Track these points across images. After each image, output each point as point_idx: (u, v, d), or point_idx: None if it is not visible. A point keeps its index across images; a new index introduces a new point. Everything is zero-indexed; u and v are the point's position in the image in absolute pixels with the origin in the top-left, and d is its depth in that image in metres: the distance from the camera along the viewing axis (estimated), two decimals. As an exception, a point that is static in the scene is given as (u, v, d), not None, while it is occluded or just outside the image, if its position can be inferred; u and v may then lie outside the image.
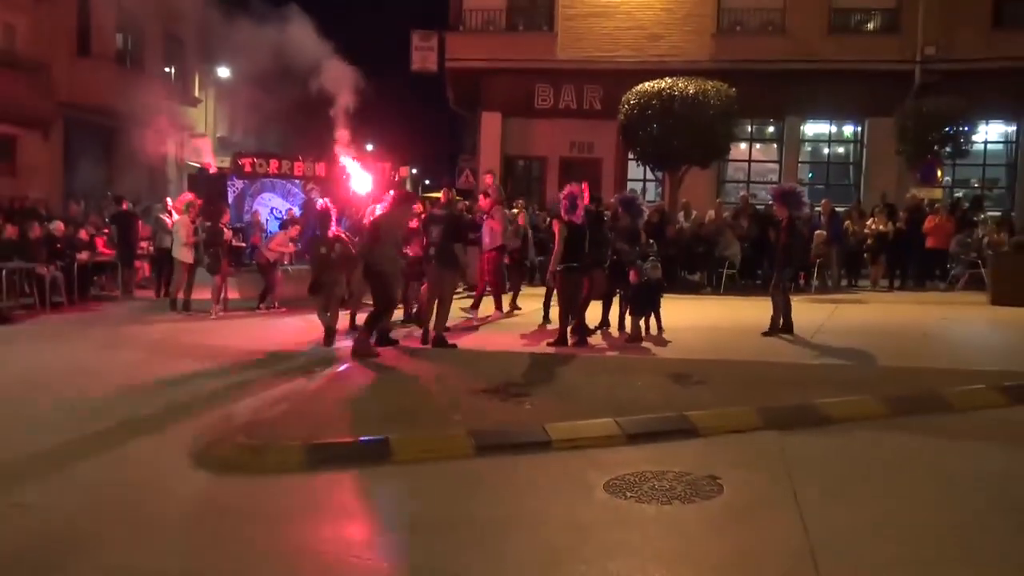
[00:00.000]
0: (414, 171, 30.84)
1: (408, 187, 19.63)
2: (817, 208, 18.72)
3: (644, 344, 10.88)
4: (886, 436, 6.94)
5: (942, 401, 7.78)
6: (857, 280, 18.64)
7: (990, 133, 23.76)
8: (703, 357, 9.80)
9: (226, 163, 24.13)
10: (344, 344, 11.34)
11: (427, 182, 36.20)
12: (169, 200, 16.87)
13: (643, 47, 23.50)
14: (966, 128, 21.06)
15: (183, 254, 14.49)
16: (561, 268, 10.57)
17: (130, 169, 24.00)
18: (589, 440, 6.68)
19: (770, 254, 12.68)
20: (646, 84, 19.75)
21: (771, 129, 25.35)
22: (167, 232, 15.92)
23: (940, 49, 22.30)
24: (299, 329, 12.06)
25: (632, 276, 11.15)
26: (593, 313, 11.33)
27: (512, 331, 12.21)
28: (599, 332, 11.59)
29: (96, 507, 5.60)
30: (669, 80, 19.54)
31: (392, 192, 12.37)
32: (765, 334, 11.29)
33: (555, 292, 11.42)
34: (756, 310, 12.79)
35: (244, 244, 18.33)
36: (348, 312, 12.51)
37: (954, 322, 13.18)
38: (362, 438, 6.62)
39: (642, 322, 11.23)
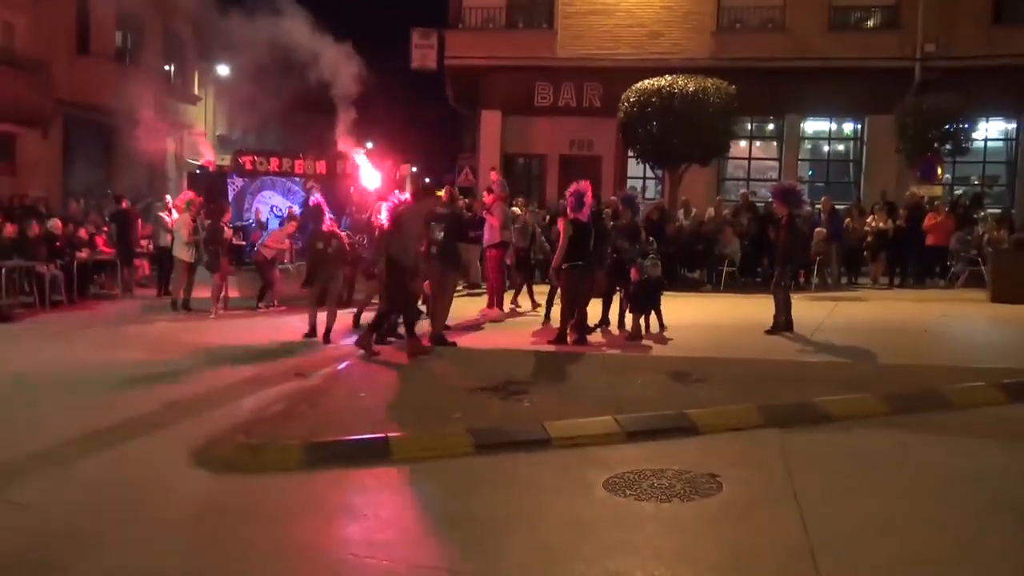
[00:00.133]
0: (414, 169, 30.77)
1: (409, 185, 19.60)
2: (817, 206, 18.71)
3: (644, 342, 10.89)
4: (886, 434, 6.94)
5: (942, 399, 7.78)
6: (857, 278, 18.63)
7: (990, 130, 23.74)
8: (703, 355, 9.80)
9: (226, 161, 24.14)
10: (350, 341, 11.38)
11: (427, 180, 36.11)
12: (169, 198, 16.82)
13: (643, 45, 23.47)
14: (966, 125, 21.06)
15: (183, 253, 14.45)
16: (566, 266, 10.57)
17: (130, 167, 23.99)
18: (588, 438, 6.69)
19: (770, 252, 12.68)
20: (646, 82, 19.75)
21: (771, 127, 25.34)
22: (167, 230, 15.90)
23: (940, 46, 22.29)
24: (299, 328, 12.05)
25: (633, 274, 11.15)
26: (593, 311, 11.32)
27: (512, 329, 12.22)
28: (599, 330, 11.58)
29: (95, 506, 5.60)
30: (669, 78, 19.54)
31: (398, 191, 12.36)
32: (768, 332, 11.28)
33: (558, 290, 11.41)
34: (756, 308, 12.79)
35: (244, 242, 18.34)
36: (354, 311, 12.61)
37: (954, 319, 13.17)
38: (361, 436, 6.62)
39: (642, 320, 11.23)
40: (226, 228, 14.74)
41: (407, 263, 10.13)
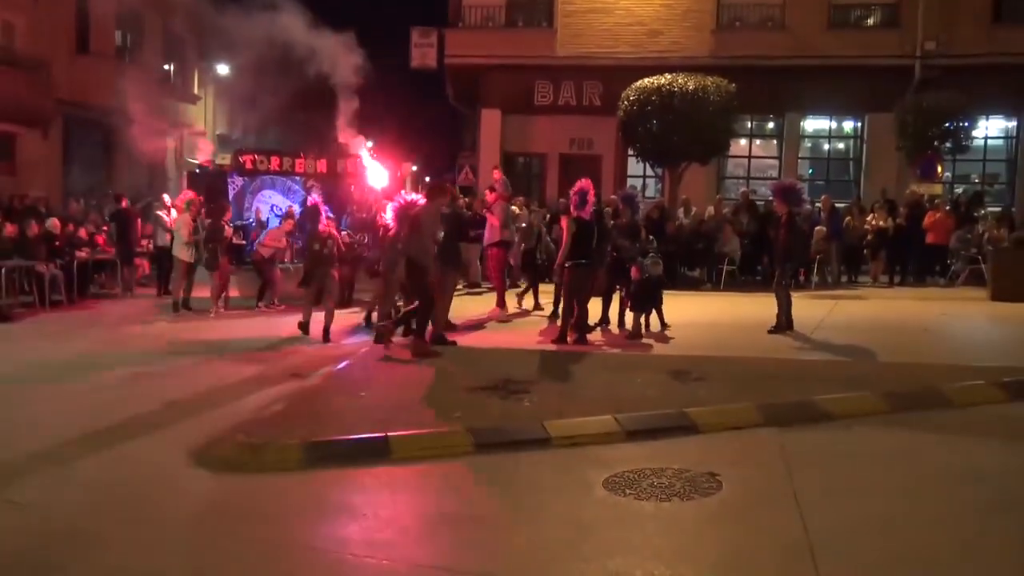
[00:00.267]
0: (414, 168, 30.80)
1: (409, 184, 19.64)
2: (817, 204, 18.71)
3: (644, 340, 10.88)
4: (886, 432, 6.94)
5: (942, 397, 7.78)
6: (857, 276, 18.62)
7: (990, 128, 23.74)
8: (703, 354, 9.80)
9: (227, 160, 24.13)
10: (350, 341, 11.40)
11: (427, 179, 36.12)
12: (167, 197, 16.77)
13: (643, 43, 23.46)
14: (966, 123, 21.04)
15: (183, 253, 14.40)
16: (569, 264, 10.56)
17: (130, 167, 24.01)
18: (588, 437, 6.69)
19: (770, 250, 12.67)
20: (646, 80, 19.74)
21: (771, 125, 25.33)
22: (166, 229, 15.89)
23: (940, 44, 22.29)
24: (299, 328, 12.04)
25: (633, 272, 11.14)
26: (593, 310, 11.31)
27: (514, 329, 12.21)
28: (599, 329, 11.57)
29: (95, 506, 5.60)
30: (669, 76, 19.53)
31: (403, 191, 12.41)
32: (771, 331, 11.24)
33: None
34: (756, 306, 12.80)
35: (244, 241, 18.33)
36: (363, 310, 12.62)
37: (954, 318, 13.17)
38: (361, 436, 6.62)
39: (642, 318, 11.22)
40: (227, 227, 14.73)
41: (427, 263, 10.15)
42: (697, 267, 18.39)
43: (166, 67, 30.09)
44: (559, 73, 24.29)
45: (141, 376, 9.62)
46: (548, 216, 17.44)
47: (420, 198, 11.19)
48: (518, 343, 10.80)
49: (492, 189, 14.80)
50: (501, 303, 13.67)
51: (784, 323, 11.33)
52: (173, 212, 15.69)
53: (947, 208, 18.78)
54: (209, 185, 19.80)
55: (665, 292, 11.66)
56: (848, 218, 18.62)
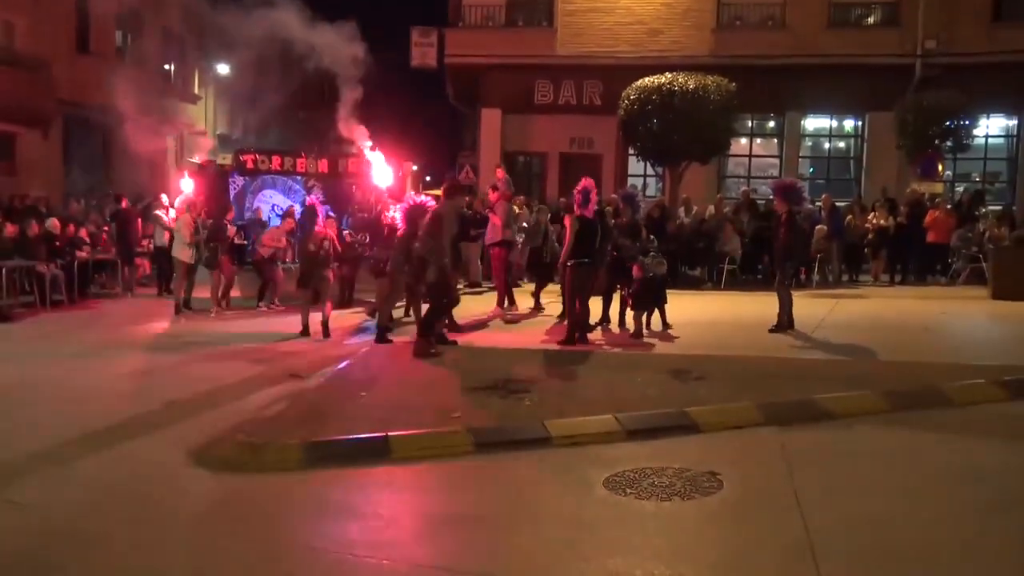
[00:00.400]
0: (415, 168, 30.81)
1: (409, 184, 19.66)
2: (817, 203, 18.69)
3: (645, 340, 10.87)
4: (887, 431, 6.94)
5: (942, 396, 7.77)
6: (858, 275, 18.61)
7: (991, 127, 23.73)
8: (703, 353, 9.79)
9: (227, 160, 24.14)
10: (350, 341, 11.39)
11: (428, 178, 36.14)
12: (164, 197, 16.72)
13: (643, 42, 23.45)
14: (967, 122, 21.03)
15: (183, 253, 14.35)
16: (572, 263, 10.55)
17: (130, 167, 23.98)
18: (589, 436, 6.68)
19: (770, 249, 12.65)
20: (646, 79, 19.73)
21: (771, 124, 25.33)
22: (164, 228, 15.88)
23: (940, 43, 22.27)
24: (298, 327, 12.05)
25: (635, 271, 11.14)
26: (593, 309, 11.31)
27: (515, 329, 12.19)
28: (599, 328, 11.57)
29: (95, 506, 5.59)
30: (669, 75, 19.53)
31: (413, 191, 12.44)
32: (772, 330, 11.22)
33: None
34: (757, 305, 12.79)
35: (246, 241, 18.32)
36: (367, 310, 12.63)
37: (955, 317, 13.17)
38: (361, 436, 6.62)
39: (643, 317, 11.21)
40: (230, 227, 14.71)
41: (444, 262, 10.16)
42: (698, 266, 18.38)
43: (166, 67, 30.09)
44: (559, 72, 24.28)
45: (141, 376, 9.63)
46: (549, 215, 17.40)
47: (428, 199, 11.24)
48: (518, 343, 10.79)
49: (495, 188, 14.78)
50: (501, 303, 13.66)
51: (785, 322, 11.31)
52: (172, 211, 15.65)
53: (948, 207, 18.76)
54: (210, 184, 19.76)
55: (667, 291, 11.65)
56: (849, 217, 18.60)
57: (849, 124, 25.20)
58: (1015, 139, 23.94)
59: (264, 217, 20.54)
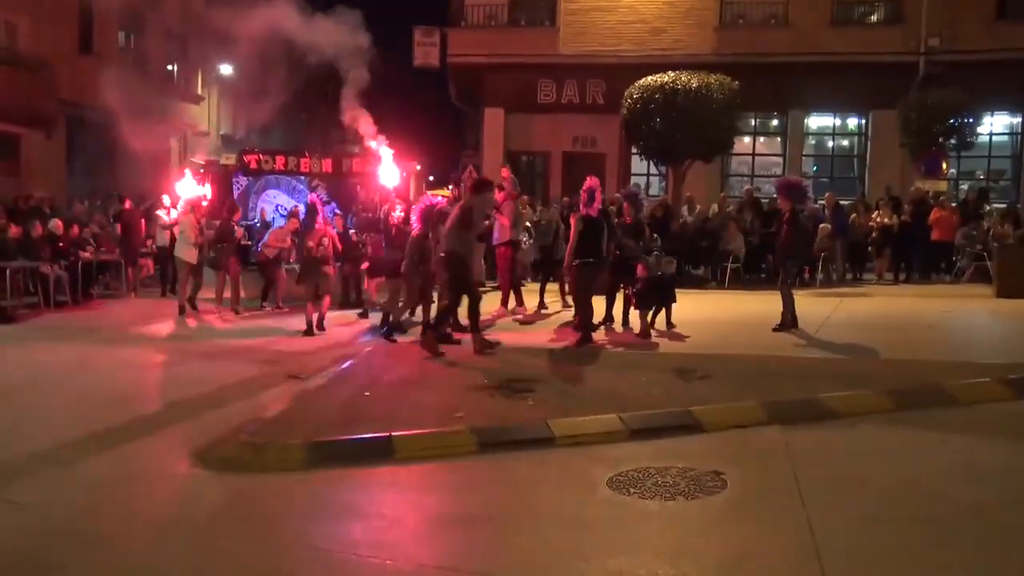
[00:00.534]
0: (418, 167, 30.81)
1: (413, 183, 19.68)
2: (821, 201, 18.65)
3: (650, 339, 10.84)
4: (891, 430, 6.91)
5: (947, 395, 7.74)
6: (862, 273, 18.58)
7: (995, 125, 23.66)
8: (707, 352, 9.77)
9: (231, 160, 24.11)
10: (356, 340, 11.40)
11: (431, 178, 36.13)
12: (166, 198, 16.70)
13: (646, 41, 23.44)
14: (971, 120, 20.98)
15: (187, 254, 14.34)
16: (577, 263, 10.52)
17: (133, 167, 23.98)
18: (592, 436, 6.67)
19: (774, 248, 12.62)
20: (649, 78, 19.72)
21: (775, 122, 25.29)
22: (165, 228, 15.89)
23: (944, 40, 22.23)
24: (302, 327, 12.06)
25: (640, 270, 11.11)
26: (596, 308, 11.29)
27: (523, 328, 12.16)
28: (603, 328, 11.55)
29: (97, 506, 5.59)
30: (672, 74, 19.53)
31: (429, 192, 12.49)
32: (776, 329, 11.18)
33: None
34: (760, 304, 12.76)
35: (250, 242, 18.31)
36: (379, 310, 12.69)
37: (959, 315, 13.14)
38: (364, 436, 6.60)
39: (648, 316, 11.17)
40: (237, 228, 14.71)
41: (470, 259, 10.14)
42: (701, 265, 18.37)
43: (169, 67, 30.10)
44: (562, 72, 24.27)
45: (143, 376, 9.65)
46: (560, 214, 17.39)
47: (441, 198, 11.30)
48: (522, 342, 10.77)
49: (501, 187, 14.73)
50: (505, 302, 13.63)
51: (789, 321, 11.27)
52: (175, 212, 15.64)
53: (952, 205, 18.72)
54: (213, 184, 19.74)
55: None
56: (853, 215, 18.57)
57: (853, 122, 25.16)
58: (1019, 137, 23.89)
59: (268, 218, 20.52)
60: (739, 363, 9.09)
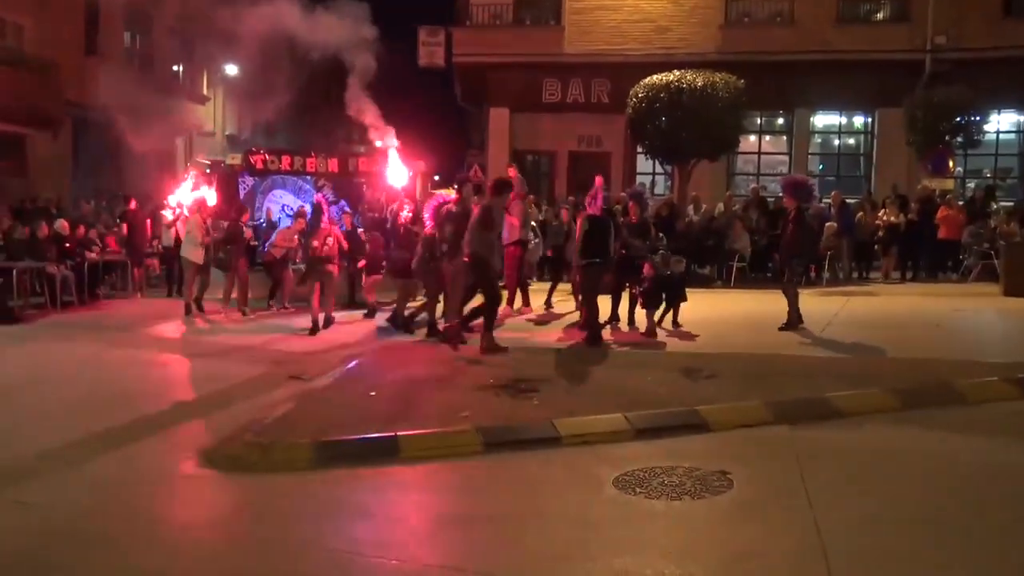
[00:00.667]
0: (423, 167, 30.82)
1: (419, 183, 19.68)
2: (826, 200, 18.60)
3: (656, 338, 10.83)
4: (898, 430, 6.89)
5: (954, 394, 7.72)
6: (868, 272, 18.53)
7: (1002, 122, 23.53)
8: (713, 351, 9.76)
9: (236, 160, 24.14)
10: (359, 340, 11.41)
11: (436, 178, 36.12)
12: (171, 199, 16.70)
13: (651, 40, 23.41)
14: (977, 118, 20.88)
15: (194, 254, 14.34)
16: (583, 263, 10.50)
17: (139, 168, 24.03)
18: (598, 436, 6.66)
19: (779, 247, 12.60)
20: (654, 77, 19.69)
21: (780, 121, 25.24)
22: (168, 227, 15.92)
23: (950, 38, 22.14)
24: (308, 327, 12.07)
25: (647, 269, 11.10)
26: (602, 308, 11.28)
27: (530, 328, 12.16)
28: (609, 327, 11.53)
29: (103, 506, 5.60)
30: (677, 73, 19.49)
31: (442, 191, 12.52)
32: (782, 328, 11.16)
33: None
34: (766, 303, 12.73)
35: (257, 242, 18.32)
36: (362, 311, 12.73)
37: (966, 313, 13.10)
38: (370, 435, 6.61)
39: (655, 316, 11.16)
40: (245, 228, 14.73)
41: (493, 259, 10.16)
42: (707, 264, 18.32)
43: (175, 68, 30.14)
44: (567, 71, 24.25)
45: (149, 376, 9.65)
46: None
47: (451, 197, 11.33)
48: (528, 341, 10.77)
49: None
50: (512, 302, 13.61)
51: (795, 320, 11.26)
52: (180, 212, 15.66)
53: (959, 203, 18.65)
54: (220, 185, 19.76)
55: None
56: (859, 214, 18.51)
57: (859, 120, 25.08)
58: (1026, 135, 23.81)
59: (274, 218, 20.54)
60: (745, 362, 9.07)
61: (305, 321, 12.32)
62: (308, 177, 21.65)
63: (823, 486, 5.53)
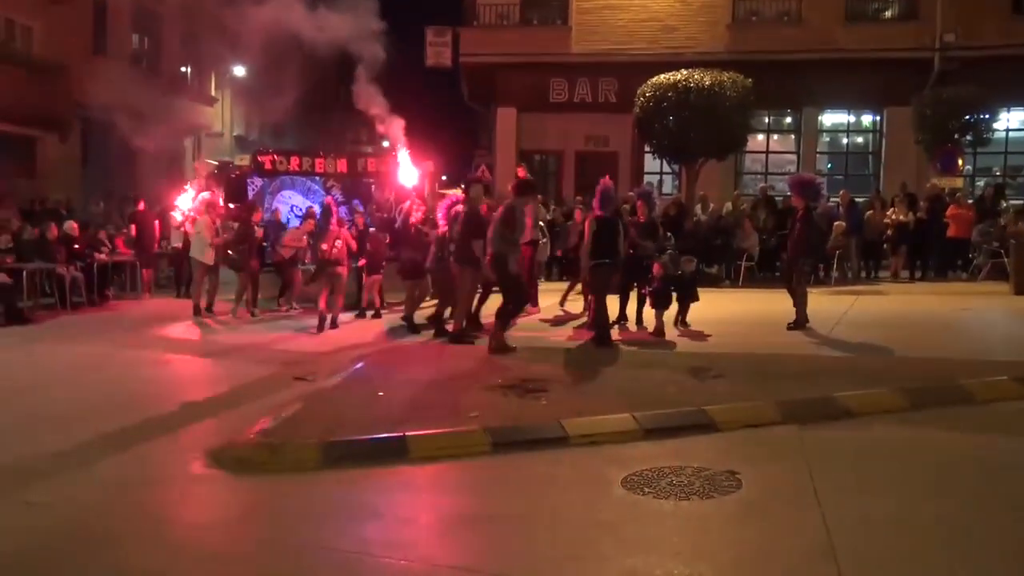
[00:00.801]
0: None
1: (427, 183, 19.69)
2: (835, 199, 18.55)
3: (664, 338, 10.82)
4: (907, 429, 6.87)
5: (964, 393, 7.69)
6: (877, 271, 18.49)
7: (1011, 121, 23.45)
8: (721, 351, 9.75)
9: (244, 161, 24.20)
10: (367, 341, 11.43)
11: (444, 178, 36.14)
12: (178, 200, 16.74)
13: (658, 39, 23.38)
14: (986, 116, 20.83)
15: (204, 255, 14.36)
16: (591, 264, 10.50)
17: (148, 169, 24.10)
18: (606, 436, 6.65)
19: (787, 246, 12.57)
20: (661, 76, 19.66)
21: (788, 120, 25.19)
22: (176, 228, 15.96)
23: (959, 36, 22.06)
24: (316, 326, 12.11)
25: (656, 269, 11.09)
26: (611, 308, 11.26)
27: (537, 328, 12.15)
28: (617, 327, 11.53)
29: (112, 506, 5.61)
30: (685, 72, 19.46)
31: (454, 191, 12.56)
32: (791, 327, 11.13)
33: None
34: (774, 303, 12.70)
35: (266, 243, 18.34)
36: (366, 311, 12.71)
37: (976, 312, 13.05)
38: (379, 436, 6.60)
39: (664, 316, 11.14)
40: (257, 229, 14.78)
41: (511, 259, 10.15)
42: (715, 264, 18.30)
43: (183, 69, 30.23)
44: (574, 70, 24.23)
45: (157, 377, 9.68)
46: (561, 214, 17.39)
47: (460, 195, 11.39)
48: (538, 341, 10.76)
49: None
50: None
51: (803, 319, 11.24)
52: (190, 213, 15.68)
53: (969, 202, 18.59)
54: (228, 186, 19.80)
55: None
56: (868, 213, 18.47)
57: (867, 119, 25.03)
58: (1035, 132, 23.71)
59: (283, 218, 20.57)
60: (753, 362, 9.06)
61: (314, 321, 12.40)
62: (317, 178, 21.70)
63: (832, 486, 5.52)
